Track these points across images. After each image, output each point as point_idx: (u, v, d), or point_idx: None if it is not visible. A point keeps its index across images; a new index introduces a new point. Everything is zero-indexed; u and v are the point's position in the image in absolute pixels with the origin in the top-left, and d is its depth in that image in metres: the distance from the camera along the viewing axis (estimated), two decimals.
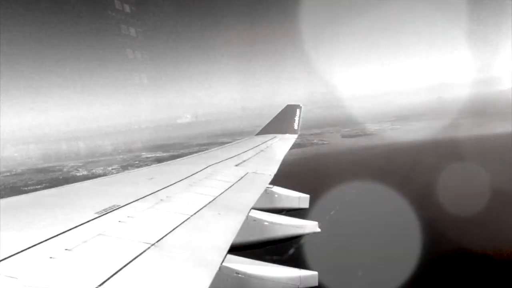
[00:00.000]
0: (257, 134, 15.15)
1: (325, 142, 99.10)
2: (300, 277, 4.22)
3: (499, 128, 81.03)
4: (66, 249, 3.06)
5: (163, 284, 2.87)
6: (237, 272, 3.85)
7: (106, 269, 2.79)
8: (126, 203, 4.63)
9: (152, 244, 3.42)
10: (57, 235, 3.35)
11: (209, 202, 5.23)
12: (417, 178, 48.05)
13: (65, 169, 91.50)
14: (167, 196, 5.23)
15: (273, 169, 8.42)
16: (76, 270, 2.79)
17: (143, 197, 5.04)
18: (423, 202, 38.36)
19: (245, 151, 10.57)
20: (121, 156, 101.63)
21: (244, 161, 9.10)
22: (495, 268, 26.47)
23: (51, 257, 2.88)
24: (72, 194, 5.54)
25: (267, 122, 16.12)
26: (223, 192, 5.96)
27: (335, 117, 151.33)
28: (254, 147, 11.50)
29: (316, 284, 4.28)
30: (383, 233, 33.36)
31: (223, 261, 3.46)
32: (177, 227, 4.03)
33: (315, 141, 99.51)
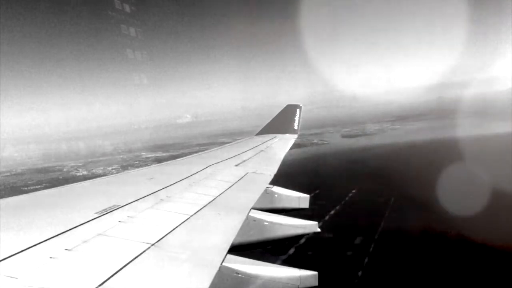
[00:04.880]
0: (257, 134, 15.13)
1: (325, 142, 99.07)
2: (300, 277, 4.21)
3: (499, 128, 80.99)
4: (66, 249, 3.06)
5: (163, 284, 2.87)
6: (237, 272, 3.85)
7: (106, 269, 2.80)
8: (126, 203, 4.63)
9: (152, 244, 3.42)
10: (57, 235, 3.35)
11: (209, 202, 5.23)
12: (417, 178, 48.00)
13: (65, 169, 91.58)
14: (167, 196, 5.23)
15: (273, 169, 8.42)
16: (76, 270, 2.79)
17: (143, 197, 5.04)
18: (423, 201, 38.33)
19: (245, 151, 10.55)
20: (121, 156, 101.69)
21: (244, 161, 9.09)
22: (494, 268, 26.45)
23: (51, 257, 2.88)
24: (72, 194, 5.54)
25: (267, 122, 16.10)
26: (223, 192, 5.96)
27: (335, 117, 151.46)
28: (254, 147, 11.49)
29: (316, 284, 4.28)
30: (383, 233, 33.34)
31: (223, 261, 3.45)
32: (177, 227, 4.03)
33: (315, 141, 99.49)
